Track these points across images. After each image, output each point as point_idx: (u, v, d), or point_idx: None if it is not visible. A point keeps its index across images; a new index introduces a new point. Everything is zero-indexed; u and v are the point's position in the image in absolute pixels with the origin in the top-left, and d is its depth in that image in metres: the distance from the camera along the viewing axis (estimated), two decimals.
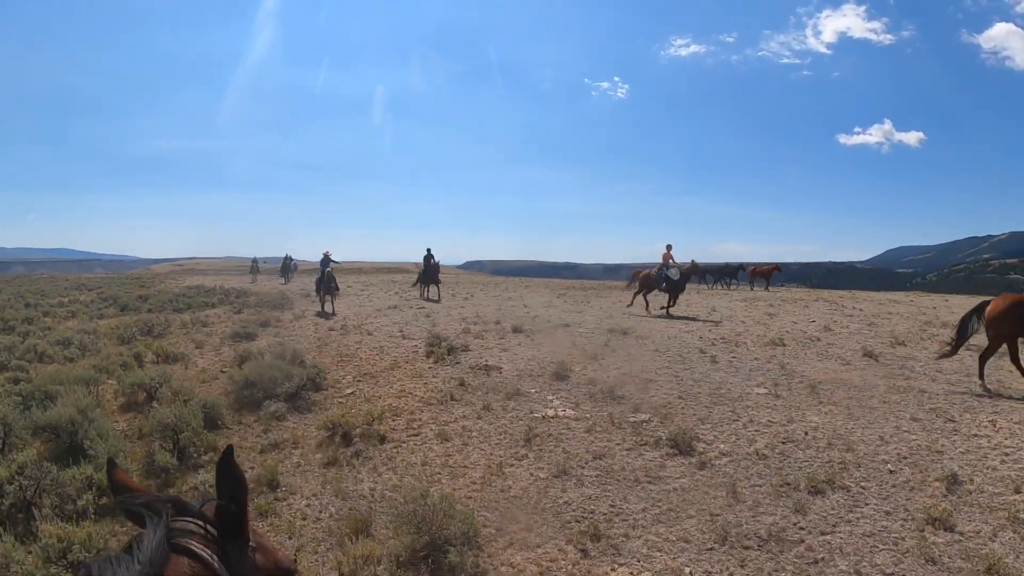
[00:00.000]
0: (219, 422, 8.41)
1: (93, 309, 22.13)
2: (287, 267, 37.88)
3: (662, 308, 19.36)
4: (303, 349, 13.10)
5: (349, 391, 10.21)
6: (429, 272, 25.07)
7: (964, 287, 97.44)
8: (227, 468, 1.29)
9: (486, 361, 12.45)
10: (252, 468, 7.22)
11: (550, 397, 10.49)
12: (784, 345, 13.67)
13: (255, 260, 44.12)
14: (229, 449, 1.30)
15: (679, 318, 18.22)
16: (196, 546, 1.22)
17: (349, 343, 14.27)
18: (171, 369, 11.94)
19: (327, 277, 20.05)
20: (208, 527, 1.26)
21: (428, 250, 25.31)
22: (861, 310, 19.99)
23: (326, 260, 21.48)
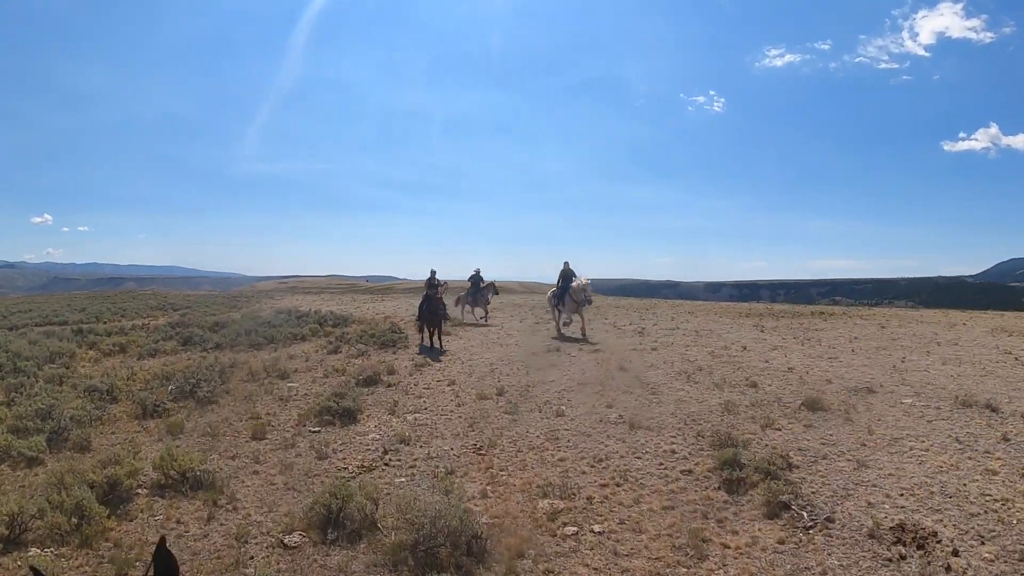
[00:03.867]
0: None
1: (150, 341, 16.47)
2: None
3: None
4: (454, 469, 6.23)
5: None
6: None
7: None
8: (162, 554, 1.36)
9: (883, 514, 5.20)
10: None
11: None
12: None
13: (483, 281, 21.16)
14: (162, 540, 1.39)
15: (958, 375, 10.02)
16: None
17: (531, 436, 7.28)
18: (179, 520, 5.33)
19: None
20: None
21: None
22: None
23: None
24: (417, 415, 8.41)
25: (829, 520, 5.17)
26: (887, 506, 5.45)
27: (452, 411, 8.68)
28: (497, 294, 23.27)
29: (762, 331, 18.53)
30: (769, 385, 10.07)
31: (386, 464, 6.40)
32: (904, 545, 4.80)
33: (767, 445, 6.97)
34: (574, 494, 5.62)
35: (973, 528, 5.05)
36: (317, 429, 7.78)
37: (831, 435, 7.39)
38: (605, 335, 17.03)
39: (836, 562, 4.61)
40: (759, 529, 5.07)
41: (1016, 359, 12.11)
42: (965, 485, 5.82)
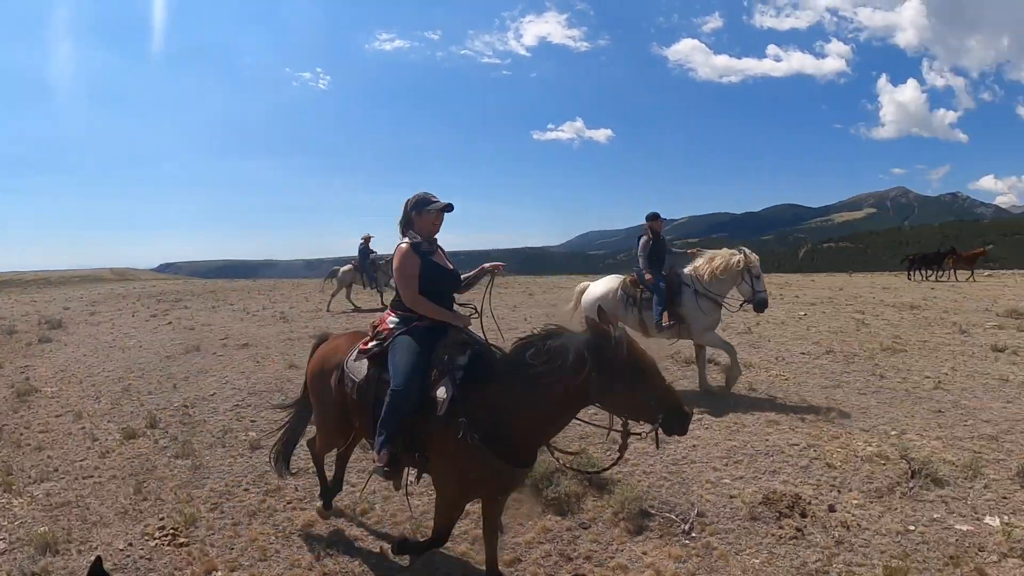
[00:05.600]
0: None
1: None
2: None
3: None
4: None
5: None
6: None
7: None
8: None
9: (735, 491, 5.03)
10: None
11: None
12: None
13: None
14: (98, 559, 1.46)
15: None
16: None
17: (238, 492, 5.10)
18: None
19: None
20: None
21: None
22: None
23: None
24: (49, 485, 5.34)
25: (700, 515, 4.29)
26: (727, 480, 4.89)
27: (98, 467, 5.79)
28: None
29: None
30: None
31: None
32: (789, 517, 4.22)
33: None
34: None
35: (815, 479, 4.87)
36: None
37: None
38: (243, 323, 14.63)
39: (755, 561, 4.08)
40: (643, 552, 4.16)
41: None
42: (767, 440, 5.72)
